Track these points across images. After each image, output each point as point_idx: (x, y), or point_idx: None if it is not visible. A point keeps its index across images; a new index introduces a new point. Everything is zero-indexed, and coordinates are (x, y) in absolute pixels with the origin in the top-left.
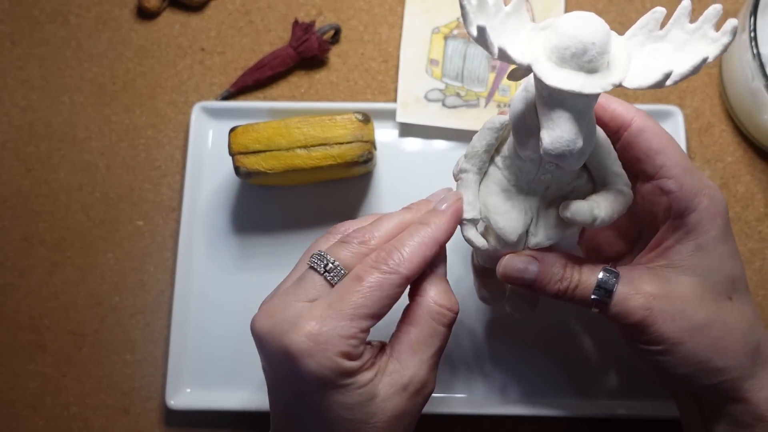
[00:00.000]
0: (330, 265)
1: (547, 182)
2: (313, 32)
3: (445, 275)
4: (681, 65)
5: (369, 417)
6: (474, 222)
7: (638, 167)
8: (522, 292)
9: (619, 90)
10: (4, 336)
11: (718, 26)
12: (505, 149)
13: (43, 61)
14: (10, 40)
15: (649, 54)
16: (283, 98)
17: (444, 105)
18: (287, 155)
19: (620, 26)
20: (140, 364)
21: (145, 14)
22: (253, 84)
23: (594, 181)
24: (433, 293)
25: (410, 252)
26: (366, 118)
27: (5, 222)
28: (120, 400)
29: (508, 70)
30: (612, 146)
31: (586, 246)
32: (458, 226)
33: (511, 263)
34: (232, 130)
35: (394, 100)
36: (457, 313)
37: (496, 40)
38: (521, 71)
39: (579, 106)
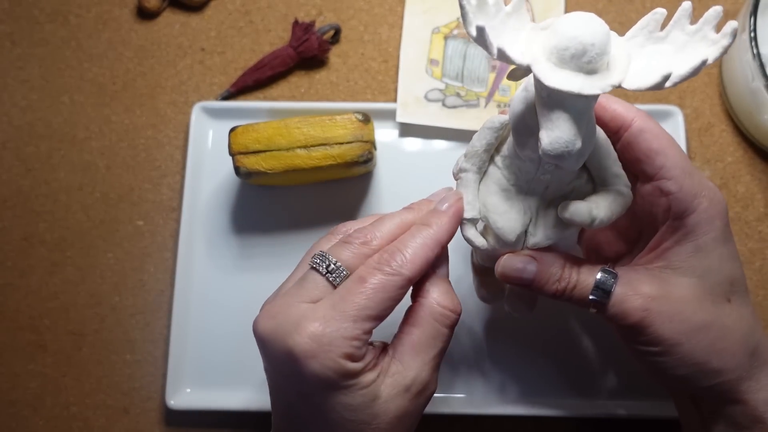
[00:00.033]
0: (332, 265)
1: (547, 182)
2: (313, 32)
3: (448, 276)
4: (680, 67)
5: (371, 418)
6: (473, 221)
7: (638, 168)
8: (520, 292)
9: (619, 90)
10: (4, 336)
11: (718, 28)
12: (505, 149)
13: (43, 61)
14: (10, 40)
15: (649, 55)
16: (283, 98)
17: (444, 105)
18: (287, 155)
19: (620, 26)
20: (140, 364)
21: (145, 14)
22: (253, 84)
23: (594, 181)
24: (435, 294)
25: (413, 253)
26: (366, 118)
27: (5, 222)
28: (120, 400)
29: (508, 70)
30: (612, 146)
31: (586, 246)
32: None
33: (509, 263)
34: (232, 130)
35: (394, 100)
36: (459, 314)
37: (496, 41)
38: (521, 71)
39: (578, 106)
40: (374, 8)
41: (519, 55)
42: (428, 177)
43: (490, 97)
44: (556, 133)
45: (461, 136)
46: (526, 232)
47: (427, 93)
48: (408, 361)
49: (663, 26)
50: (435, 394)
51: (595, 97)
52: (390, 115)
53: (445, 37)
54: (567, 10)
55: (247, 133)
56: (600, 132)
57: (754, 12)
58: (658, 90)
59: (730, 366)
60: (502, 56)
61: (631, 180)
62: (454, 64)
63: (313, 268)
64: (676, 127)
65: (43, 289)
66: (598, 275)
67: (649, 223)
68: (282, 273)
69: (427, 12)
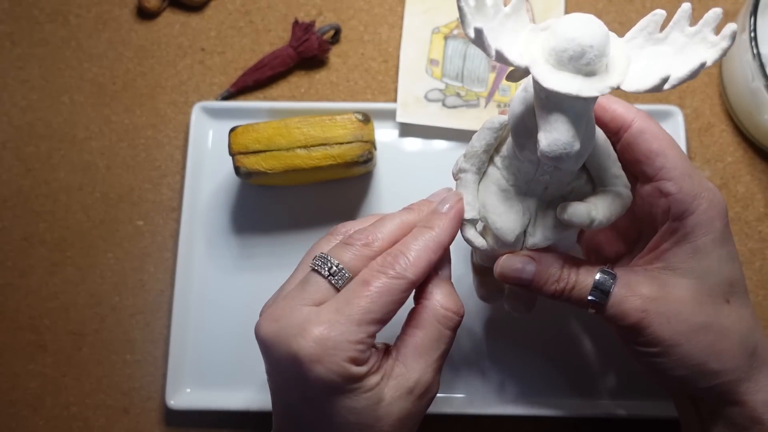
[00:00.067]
0: (334, 268)
1: (546, 183)
2: (313, 32)
3: (450, 278)
4: (679, 70)
5: (375, 421)
6: (473, 222)
7: (638, 169)
8: (519, 292)
9: (618, 90)
10: (4, 336)
11: (718, 30)
12: (504, 149)
13: (43, 61)
14: (10, 40)
15: (649, 57)
16: (283, 98)
17: (444, 105)
18: (287, 155)
19: (620, 26)
20: (140, 364)
21: (145, 14)
22: (253, 84)
23: (593, 181)
24: (439, 297)
25: (416, 256)
26: (366, 118)
27: (5, 222)
28: (120, 400)
29: (507, 71)
30: (612, 147)
31: (586, 246)
32: None
33: (508, 263)
34: (232, 130)
35: (394, 100)
36: (462, 316)
37: (494, 43)
38: (520, 72)
39: (577, 108)
40: (374, 8)
41: (517, 56)
42: (428, 177)
43: (490, 97)
44: (555, 135)
45: (461, 136)
46: (525, 232)
47: (427, 93)
48: (411, 363)
49: (663, 27)
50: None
51: (594, 99)
52: (390, 115)
53: (445, 37)
54: (567, 11)
55: (247, 133)
56: (600, 133)
57: (754, 12)
58: (656, 92)
59: (728, 367)
60: (500, 58)
61: (630, 181)
62: (454, 64)
63: (314, 270)
64: (676, 127)
65: (43, 289)
66: (597, 276)
67: (649, 224)
68: (282, 273)
69: (427, 12)
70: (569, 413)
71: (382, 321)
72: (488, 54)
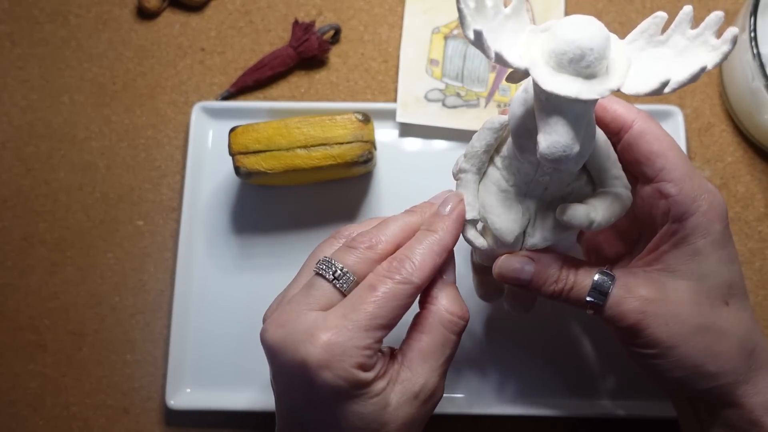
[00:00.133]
0: (338, 271)
1: (546, 183)
2: (313, 32)
3: (455, 282)
4: (679, 73)
5: (381, 425)
6: (474, 222)
7: (638, 170)
8: (519, 292)
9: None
10: (4, 336)
11: (719, 33)
12: (504, 149)
13: (43, 61)
14: (10, 40)
15: (650, 59)
16: (283, 98)
17: (444, 105)
18: (287, 155)
19: (620, 26)
20: (140, 364)
21: (145, 14)
22: (253, 84)
23: (593, 182)
24: (444, 302)
25: (421, 260)
26: (366, 118)
27: (5, 222)
28: (120, 400)
29: (507, 72)
30: (612, 148)
31: (586, 245)
32: None
33: (507, 263)
34: (232, 130)
35: (394, 100)
36: (467, 321)
37: (493, 45)
38: (519, 74)
39: (576, 110)
40: (374, 8)
41: (517, 58)
42: (428, 177)
43: (490, 97)
44: (554, 137)
45: (461, 136)
46: (524, 233)
47: (427, 93)
48: (416, 368)
49: (664, 29)
50: None
51: (594, 101)
52: (390, 115)
53: (445, 37)
54: (567, 11)
55: (247, 133)
56: (600, 133)
57: (754, 12)
58: (656, 95)
59: (726, 369)
60: (500, 60)
61: (631, 181)
62: (454, 64)
63: (318, 274)
64: (676, 127)
65: (43, 289)
66: (596, 277)
67: (649, 225)
68: (282, 273)
69: (427, 12)
70: (569, 413)
71: (389, 326)
72: (488, 56)
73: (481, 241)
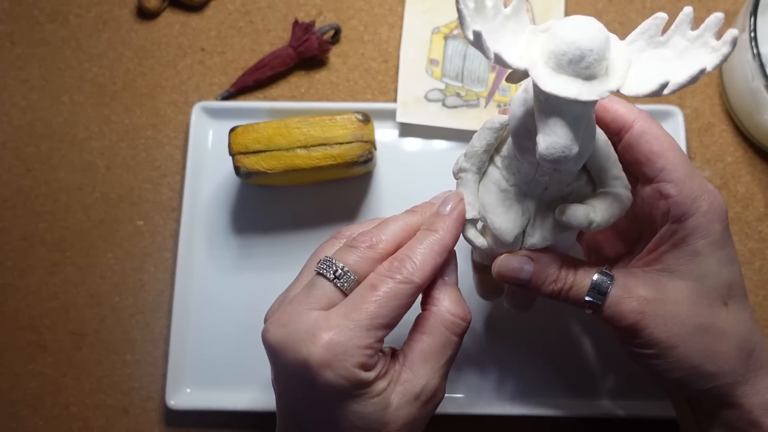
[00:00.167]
0: (339, 271)
1: (546, 183)
2: (313, 32)
3: (457, 283)
4: (679, 75)
5: (382, 426)
6: (474, 222)
7: (638, 170)
8: (518, 291)
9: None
10: (4, 336)
11: (719, 34)
12: (505, 149)
13: (43, 61)
14: (10, 40)
15: (650, 60)
16: (283, 98)
17: (444, 105)
18: (287, 155)
19: (620, 26)
20: (140, 364)
21: (145, 14)
22: (253, 84)
23: (593, 182)
24: (446, 303)
25: (422, 260)
26: (366, 118)
27: (5, 222)
28: (120, 400)
29: (507, 73)
30: (612, 148)
31: (586, 245)
32: None
33: (506, 263)
34: (232, 130)
35: (394, 100)
36: (469, 322)
37: (493, 45)
38: (519, 74)
39: (576, 111)
40: (374, 8)
41: (516, 59)
42: (428, 177)
43: (490, 97)
44: (553, 138)
45: (461, 136)
46: (524, 232)
47: (427, 93)
48: (418, 369)
49: (664, 30)
50: None
51: (593, 102)
52: (390, 115)
53: (445, 37)
54: (567, 11)
55: (247, 133)
56: (600, 134)
57: (754, 12)
58: (656, 97)
59: (725, 370)
60: (499, 61)
61: (631, 182)
62: (454, 64)
63: (319, 273)
64: (676, 127)
65: (43, 289)
66: (595, 277)
67: (649, 225)
68: (282, 273)
69: (427, 12)
70: (569, 413)
71: (390, 325)
72: (487, 57)
73: (481, 241)
